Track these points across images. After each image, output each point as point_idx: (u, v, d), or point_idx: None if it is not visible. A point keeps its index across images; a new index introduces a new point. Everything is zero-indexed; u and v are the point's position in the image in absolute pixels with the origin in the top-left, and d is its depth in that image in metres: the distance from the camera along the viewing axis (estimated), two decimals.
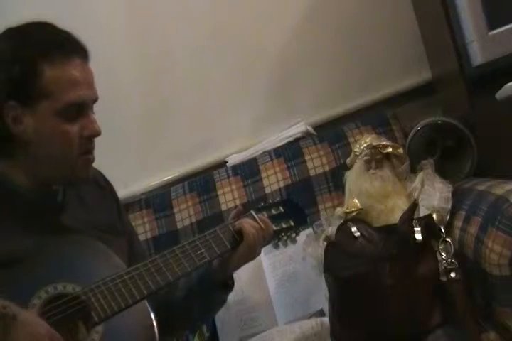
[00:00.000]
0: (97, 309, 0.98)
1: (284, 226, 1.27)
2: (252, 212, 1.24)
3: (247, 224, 1.18)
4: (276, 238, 1.26)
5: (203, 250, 1.13)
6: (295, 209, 1.31)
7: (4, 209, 1.05)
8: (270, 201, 1.32)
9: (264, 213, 1.26)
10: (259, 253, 1.22)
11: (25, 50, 1.03)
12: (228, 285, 1.24)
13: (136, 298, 1.02)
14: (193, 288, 1.23)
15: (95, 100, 1.10)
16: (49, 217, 1.10)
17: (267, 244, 1.24)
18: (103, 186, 1.26)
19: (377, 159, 1.52)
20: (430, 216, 1.34)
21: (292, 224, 1.28)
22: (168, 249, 1.11)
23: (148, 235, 1.78)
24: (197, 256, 1.12)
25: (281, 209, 1.29)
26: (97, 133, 1.08)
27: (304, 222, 1.32)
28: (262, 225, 1.20)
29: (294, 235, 1.29)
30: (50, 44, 1.05)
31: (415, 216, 1.33)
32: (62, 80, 1.03)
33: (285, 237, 1.27)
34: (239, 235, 1.17)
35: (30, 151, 1.05)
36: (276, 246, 1.29)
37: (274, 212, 1.28)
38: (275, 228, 1.25)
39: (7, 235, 1.01)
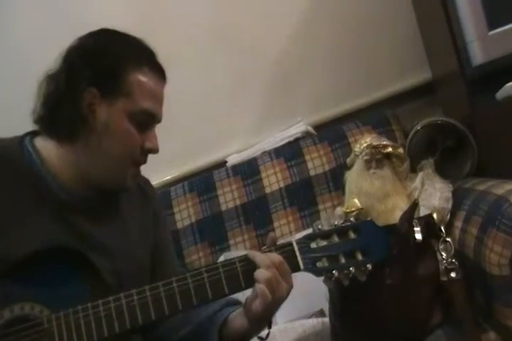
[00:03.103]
0: None
1: (343, 261, 0.96)
2: (294, 242, 0.97)
3: (263, 277, 0.93)
4: (327, 275, 0.97)
5: (207, 286, 0.93)
6: (372, 237, 0.98)
7: (27, 203, 1.03)
8: (336, 223, 0.99)
9: (319, 241, 0.97)
10: (285, 298, 0.98)
11: (119, 48, 1.07)
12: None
13: (103, 335, 0.90)
14: (195, 333, 1.10)
15: (159, 122, 1.13)
16: (72, 221, 1.06)
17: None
18: (148, 195, 1.24)
19: (377, 159, 1.52)
20: (430, 216, 1.34)
21: (360, 258, 0.97)
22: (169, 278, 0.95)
23: None
24: (197, 292, 0.93)
25: (352, 234, 0.98)
26: (157, 150, 1.11)
27: (380, 256, 0.98)
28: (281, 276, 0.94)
29: (352, 271, 0.95)
30: (144, 54, 1.09)
31: (415, 216, 1.32)
32: (145, 87, 1.06)
33: (341, 274, 0.96)
34: None
35: (91, 142, 1.05)
36: (328, 284, 1.03)
37: (336, 239, 0.97)
38: (329, 263, 0.96)
39: (21, 231, 0.99)
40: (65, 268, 0.95)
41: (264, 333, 1.04)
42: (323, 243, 0.98)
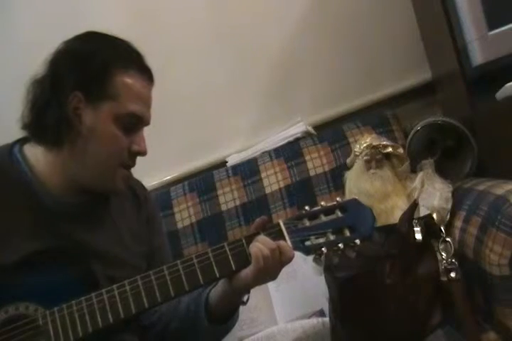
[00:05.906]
0: (51, 337, 0.91)
1: (331, 238, 0.98)
2: (281, 223, 0.99)
3: (257, 247, 0.96)
4: (317, 253, 0.98)
5: (198, 271, 0.95)
6: (359, 214, 1.00)
7: (17, 213, 1.03)
8: (322, 203, 1.02)
9: (306, 221, 0.99)
10: (275, 278, 1.00)
11: (105, 51, 1.06)
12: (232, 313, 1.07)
13: (97, 326, 0.92)
14: (184, 320, 1.10)
15: (147, 125, 1.11)
16: (62, 228, 1.06)
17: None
18: (139, 197, 1.23)
19: (377, 159, 1.52)
20: (430, 216, 1.34)
21: (348, 234, 0.98)
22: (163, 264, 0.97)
23: None
24: (188, 278, 0.94)
25: (339, 213, 1.00)
26: (144, 152, 1.09)
27: (367, 232, 0.99)
28: (277, 248, 0.96)
29: (341, 247, 0.97)
30: (130, 56, 1.08)
31: (415, 216, 1.32)
32: (131, 90, 1.05)
33: (330, 251, 0.98)
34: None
35: (78, 146, 1.04)
36: (318, 262, 1.08)
37: (324, 218, 0.99)
38: (318, 241, 0.97)
39: (11, 239, 0.99)
40: (61, 272, 0.96)
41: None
42: (311, 222, 0.99)
